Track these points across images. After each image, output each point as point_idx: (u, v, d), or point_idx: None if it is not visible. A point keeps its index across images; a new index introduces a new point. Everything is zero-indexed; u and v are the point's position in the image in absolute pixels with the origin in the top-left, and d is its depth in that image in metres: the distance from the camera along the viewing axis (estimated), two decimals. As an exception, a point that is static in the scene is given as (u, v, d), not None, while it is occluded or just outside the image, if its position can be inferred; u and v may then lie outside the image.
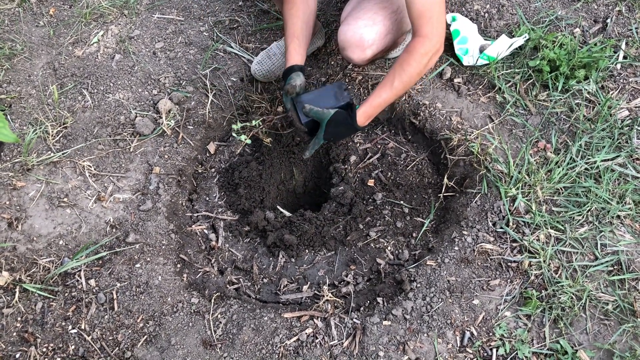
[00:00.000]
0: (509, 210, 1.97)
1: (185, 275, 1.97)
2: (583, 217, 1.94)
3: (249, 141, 2.18)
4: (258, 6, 2.71)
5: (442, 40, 1.85)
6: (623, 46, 2.36)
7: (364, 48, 1.96)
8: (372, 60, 2.14)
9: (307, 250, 2.11)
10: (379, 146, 2.36)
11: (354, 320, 1.82)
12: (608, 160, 2.06)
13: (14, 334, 1.79)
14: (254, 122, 2.18)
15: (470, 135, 2.17)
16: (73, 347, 1.78)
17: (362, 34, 1.94)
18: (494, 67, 2.28)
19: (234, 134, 2.18)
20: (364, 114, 1.91)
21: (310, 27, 2.02)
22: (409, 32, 2.39)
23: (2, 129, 1.25)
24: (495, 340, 1.74)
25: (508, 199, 2.00)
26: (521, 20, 2.47)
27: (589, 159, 2.06)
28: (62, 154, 2.17)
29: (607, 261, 1.85)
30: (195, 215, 2.21)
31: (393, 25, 2.02)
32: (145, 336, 1.79)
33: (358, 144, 2.37)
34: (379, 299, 1.87)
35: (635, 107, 2.19)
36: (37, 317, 1.83)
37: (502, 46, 2.29)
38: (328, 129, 1.88)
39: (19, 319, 1.82)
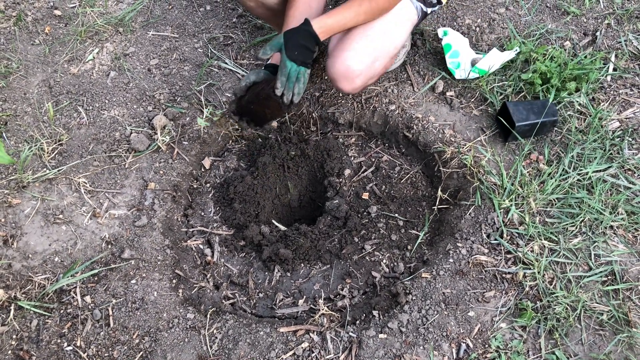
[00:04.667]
0: (503, 222, 1.98)
1: (180, 290, 1.97)
2: (576, 227, 1.96)
3: (204, 124, 2.25)
4: (252, 22, 2.74)
5: None
6: (613, 58, 2.39)
7: (353, 79, 1.97)
8: (366, 86, 2.16)
9: (302, 264, 2.12)
10: (373, 159, 2.38)
11: (350, 333, 1.82)
12: (600, 171, 2.08)
13: (9, 352, 1.79)
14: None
15: (463, 147, 2.18)
16: (68, 364, 1.77)
17: (349, 65, 1.95)
18: (485, 80, 2.31)
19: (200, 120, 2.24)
20: (322, 29, 1.84)
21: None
22: (404, 48, 2.41)
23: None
24: (491, 352, 1.74)
25: (502, 210, 2.01)
26: (512, 33, 2.50)
27: (581, 170, 2.08)
28: (58, 170, 2.18)
29: (601, 271, 1.86)
30: (191, 230, 2.21)
31: (384, 55, 2.03)
32: (141, 352, 1.79)
33: (352, 158, 2.39)
34: (375, 312, 1.88)
35: (626, 119, 2.22)
36: (33, 335, 1.82)
37: (493, 59, 2.32)
38: (287, 45, 1.81)
39: (14, 336, 1.81)
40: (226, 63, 2.57)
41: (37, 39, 2.66)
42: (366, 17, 1.92)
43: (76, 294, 1.90)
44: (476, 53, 2.42)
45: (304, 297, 2.04)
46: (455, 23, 2.59)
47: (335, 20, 1.86)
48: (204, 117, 2.30)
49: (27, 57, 2.57)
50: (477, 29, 2.56)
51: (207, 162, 2.38)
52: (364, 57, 1.96)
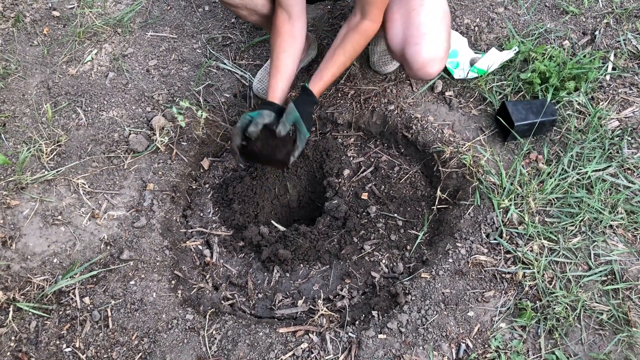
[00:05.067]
0: (502, 222, 1.98)
1: (179, 291, 1.97)
2: (576, 227, 1.95)
3: (183, 124, 2.28)
4: (250, 23, 2.73)
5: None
6: (612, 57, 2.39)
7: (441, 59, 1.98)
8: None
9: (301, 265, 2.12)
10: (373, 159, 2.38)
11: (350, 334, 1.82)
12: (599, 170, 2.08)
13: (8, 353, 1.78)
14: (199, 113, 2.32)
15: (462, 147, 2.18)
16: (67, 365, 1.77)
17: (434, 47, 1.95)
18: (484, 80, 2.31)
19: (175, 113, 2.29)
20: (319, 92, 2.00)
21: (296, 61, 2.05)
22: None
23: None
24: (491, 352, 1.73)
25: (501, 210, 2.01)
26: (511, 33, 2.50)
27: (580, 169, 2.07)
28: (56, 172, 2.17)
29: (600, 271, 1.86)
30: (190, 231, 2.21)
31: (449, 27, 2.04)
32: (140, 353, 1.78)
33: (352, 158, 2.39)
34: (374, 313, 1.87)
35: (625, 118, 2.21)
36: (31, 336, 1.82)
37: (492, 59, 2.32)
38: (304, 118, 1.94)
39: (12, 338, 1.81)
40: (225, 63, 2.57)
41: (36, 40, 2.66)
42: (351, 61, 2.04)
43: (75, 295, 1.89)
44: (475, 53, 2.42)
45: (303, 297, 2.03)
46: (454, 23, 2.59)
47: (326, 82, 2.01)
48: (180, 105, 2.35)
49: (25, 58, 2.57)
50: (476, 28, 2.55)
51: (205, 163, 2.38)
52: (441, 37, 1.97)
